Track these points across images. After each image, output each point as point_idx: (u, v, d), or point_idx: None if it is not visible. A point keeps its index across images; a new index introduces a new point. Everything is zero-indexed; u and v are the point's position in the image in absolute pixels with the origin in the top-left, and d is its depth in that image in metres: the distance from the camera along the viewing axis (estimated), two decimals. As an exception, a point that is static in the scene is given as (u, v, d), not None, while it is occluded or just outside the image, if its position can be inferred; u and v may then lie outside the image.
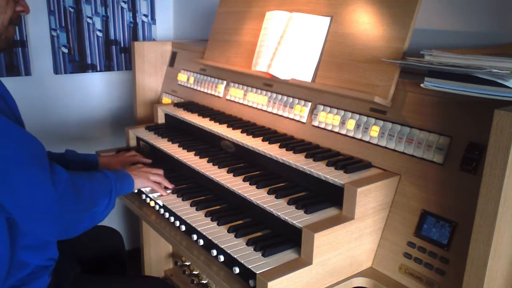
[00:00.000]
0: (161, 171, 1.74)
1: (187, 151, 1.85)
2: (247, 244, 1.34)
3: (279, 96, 1.81)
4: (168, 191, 1.70)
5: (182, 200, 1.65)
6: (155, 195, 1.69)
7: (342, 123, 1.54)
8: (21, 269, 1.39)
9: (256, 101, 1.90)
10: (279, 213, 1.34)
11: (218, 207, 1.59)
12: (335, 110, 1.58)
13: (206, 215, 1.52)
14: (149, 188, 1.72)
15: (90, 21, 2.72)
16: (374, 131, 1.44)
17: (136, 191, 1.75)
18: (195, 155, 1.81)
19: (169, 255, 2.51)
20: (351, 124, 1.51)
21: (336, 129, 1.56)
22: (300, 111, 1.70)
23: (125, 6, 2.82)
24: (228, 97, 2.07)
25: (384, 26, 1.43)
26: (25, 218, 1.25)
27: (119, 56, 2.88)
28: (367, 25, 1.49)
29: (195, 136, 2.02)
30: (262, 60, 1.77)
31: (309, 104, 1.68)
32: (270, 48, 1.76)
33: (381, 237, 1.38)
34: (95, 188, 1.39)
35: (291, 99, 1.75)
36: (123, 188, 1.57)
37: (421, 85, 1.24)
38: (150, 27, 2.96)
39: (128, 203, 1.85)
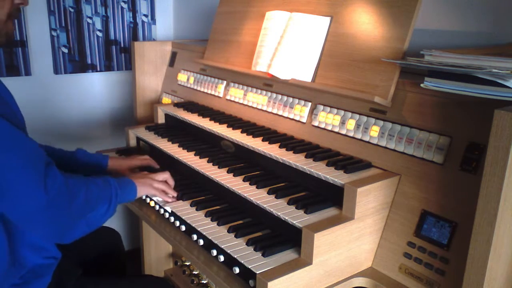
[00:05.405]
0: (167, 174, 1.68)
1: (187, 151, 1.85)
2: (247, 244, 1.34)
3: (279, 96, 1.81)
4: (171, 199, 1.66)
5: (182, 200, 1.65)
6: (160, 199, 1.68)
7: (342, 123, 1.54)
8: (22, 267, 1.39)
9: (256, 101, 1.90)
10: (279, 213, 1.34)
11: (218, 207, 1.59)
12: (335, 110, 1.58)
13: (206, 215, 1.52)
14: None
15: (90, 21, 2.72)
16: (374, 131, 1.44)
17: (143, 197, 1.74)
18: (195, 155, 1.81)
19: (169, 255, 2.51)
20: (351, 124, 1.51)
21: (336, 129, 1.56)
22: (300, 111, 1.70)
23: (125, 6, 2.82)
24: (228, 97, 2.07)
25: (384, 26, 1.43)
26: (18, 220, 1.28)
27: (119, 56, 2.88)
28: (367, 25, 1.49)
29: (195, 136, 2.02)
30: (262, 60, 1.77)
31: (309, 104, 1.68)
32: (270, 48, 1.75)
33: (381, 237, 1.38)
34: (93, 193, 1.38)
35: (291, 99, 1.75)
36: (125, 196, 1.53)
37: (421, 85, 1.24)
38: (150, 27, 2.96)
39: (128, 203, 1.85)
